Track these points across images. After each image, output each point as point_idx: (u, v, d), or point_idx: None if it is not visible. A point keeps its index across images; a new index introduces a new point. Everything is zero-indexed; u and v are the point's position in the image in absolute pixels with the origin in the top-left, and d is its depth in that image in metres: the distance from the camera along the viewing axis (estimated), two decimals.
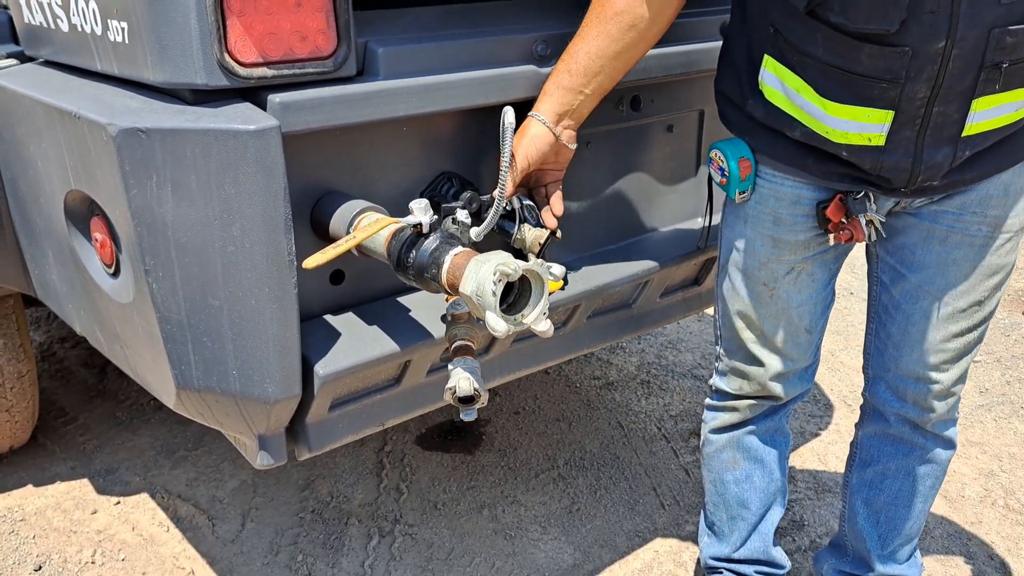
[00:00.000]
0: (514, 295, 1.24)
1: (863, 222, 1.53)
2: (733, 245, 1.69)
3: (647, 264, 1.87)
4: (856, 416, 2.96)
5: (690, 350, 3.41)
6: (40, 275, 1.84)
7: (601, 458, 2.70)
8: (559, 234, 1.63)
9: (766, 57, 1.46)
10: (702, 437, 1.99)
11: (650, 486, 2.58)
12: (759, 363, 1.76)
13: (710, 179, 1.74)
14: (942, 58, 1.29)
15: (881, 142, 1.40)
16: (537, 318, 1.21)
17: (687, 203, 2.06)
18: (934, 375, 1.67)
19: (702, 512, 2.07)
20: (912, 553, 1.93)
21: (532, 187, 1.64)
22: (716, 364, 1.88)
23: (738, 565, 1.99)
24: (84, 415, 2.90)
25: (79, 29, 1.46)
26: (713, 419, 1.93)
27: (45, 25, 1.57)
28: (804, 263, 1.64)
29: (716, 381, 1.88)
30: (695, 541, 2.35)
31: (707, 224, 1.94)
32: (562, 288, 1.68)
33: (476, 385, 1.30)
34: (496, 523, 2.41)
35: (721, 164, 1.59)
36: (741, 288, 1.69)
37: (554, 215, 1.62)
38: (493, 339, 1.70)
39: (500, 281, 1.15)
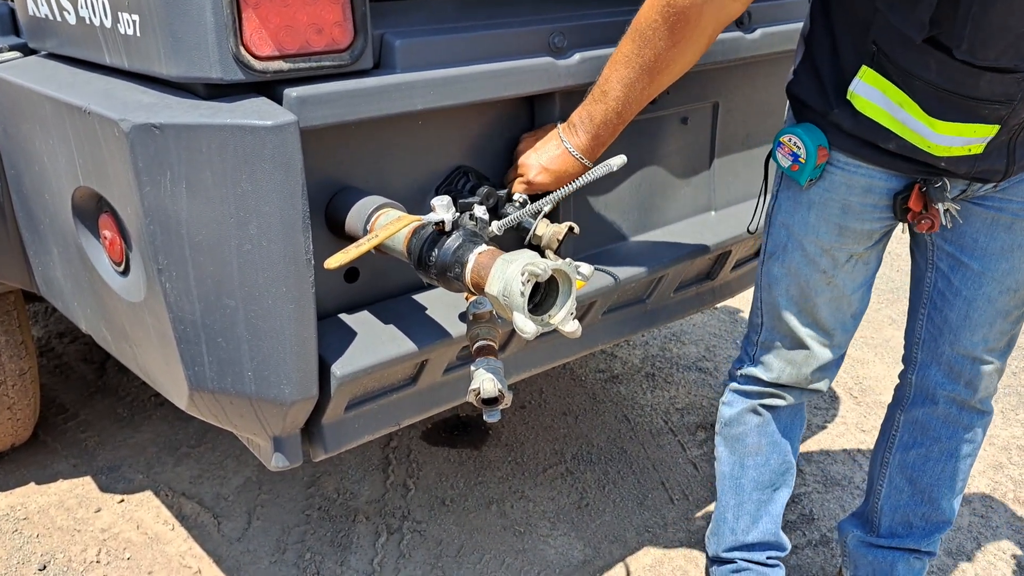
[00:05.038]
0: (540, 295, 1.21)
1: (941, 210, 1.56)
2: (791, 231, 1.68)
3: (662, 259, 1.84)
4: (862, 408, 2.98)
5: (694, 342, 3.39)
6: (43, 272, 1.80)
7: (608, 452, 2.69)
8: (577, 230, 1.60)
9: (865, 69, 1.46)
10: (721, 423, 1.97)
11: (658, 480, 2.56)
12: (804, 348, 1.77)
13: (767, 162, 1.72)
14: None
15: (980, 150, 1.47)
16: (565, 318, 1.18)
17: (700, 196, 2.03)
18: (990, 356, 1.74)
19: (716, 509, 2.04)
20: (945, 528, 1.96)
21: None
22: (748, 351, 1.87)
23: (750, 552, 1.98)
24: (85, 411, 2.86)
25: (87, 22, 1.42)
26: (738, 405, 1.92)
27: (51, 17, 1.53)
28: (864, 252, 1.66)
29: (748, 369, 1.87)
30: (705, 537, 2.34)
31: (760, 208, 1.91)
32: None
33: (500, 386, 1.27)
34: (505, 519, 2.39)
35: (796, 150, 1.56)
36: (797, 273, 1.69)
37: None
38: (510, 337, 1.67)
39: (529, 281, 1.12)
